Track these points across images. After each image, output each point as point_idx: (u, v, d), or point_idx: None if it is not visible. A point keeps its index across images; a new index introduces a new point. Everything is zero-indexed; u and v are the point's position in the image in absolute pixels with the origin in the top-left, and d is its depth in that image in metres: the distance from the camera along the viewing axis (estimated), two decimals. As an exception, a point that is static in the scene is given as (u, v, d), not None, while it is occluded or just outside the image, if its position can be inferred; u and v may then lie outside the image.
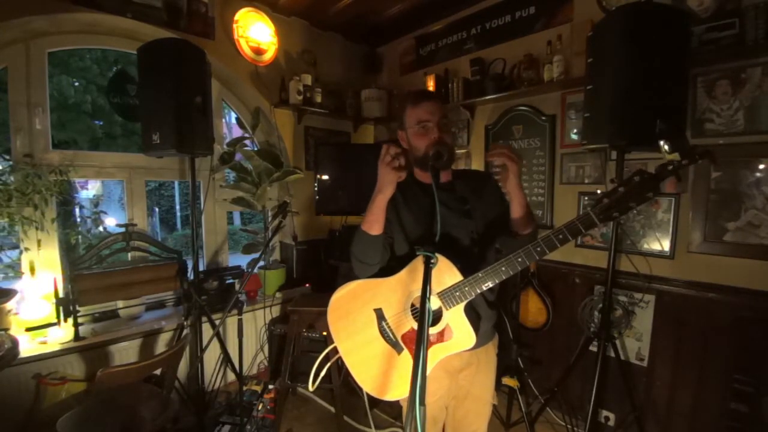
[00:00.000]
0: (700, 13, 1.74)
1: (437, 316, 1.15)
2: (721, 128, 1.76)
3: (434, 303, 1.14)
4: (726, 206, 1.77)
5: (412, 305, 1.17)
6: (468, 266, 1.12)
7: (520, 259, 1.06)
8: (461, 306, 1.12)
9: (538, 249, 1.04)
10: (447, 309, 1.13)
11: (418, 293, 1.13)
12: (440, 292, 1.12)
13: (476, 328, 1.13)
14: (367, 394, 2.35)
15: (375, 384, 1.19)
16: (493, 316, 1.31)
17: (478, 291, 1.09)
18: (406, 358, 1.17)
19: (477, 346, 1.16)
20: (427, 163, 1.17)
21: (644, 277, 1.97)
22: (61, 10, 2.01)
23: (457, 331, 1.14)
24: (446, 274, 1.12)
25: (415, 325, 1.14)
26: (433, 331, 1.13)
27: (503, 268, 1.07)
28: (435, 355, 1.13)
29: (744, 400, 1.68)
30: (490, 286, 1.09)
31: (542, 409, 2.12)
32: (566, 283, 2.33)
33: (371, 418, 2.28)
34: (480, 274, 1.08)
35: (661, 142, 1.01)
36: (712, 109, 1.78)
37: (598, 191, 1.04)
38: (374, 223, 1.13)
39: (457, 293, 1.11)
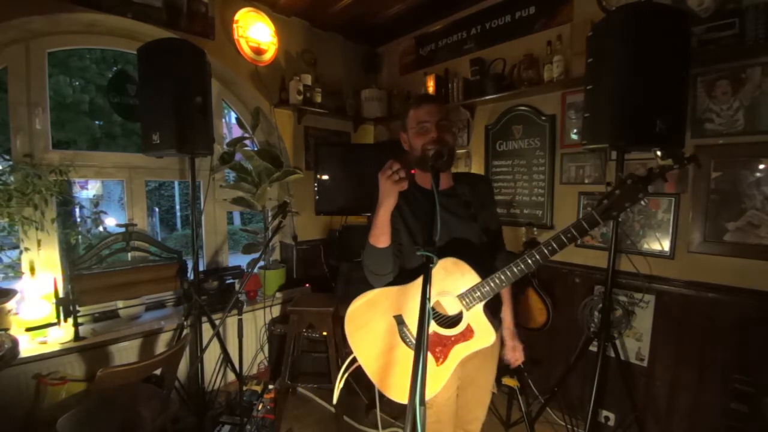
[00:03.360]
0: (700, 13, 1.74)
1: (458, 318, 1.19)
2: (721, 128, 1.76)
3: (455, 305, 1.18)
4: (726, 206, 1.77)
5: (432, 309, 1.19)
6: (482, 268, 1.16)
7: (533, 259, 1.11)
8: (480, 305, 1.16)
9: (549, 248, 1.09)
10: (467, 309, 1.16)
11: (435, 298, 1.18)
12: (461, 293, 1.16)
13: (494, 321, 1.18)
14: (366, 394, 2.36)
15: (400, 389, 1.20)
16: (499, 307, 1.39)
17: (497, 291, 1.14)
18: (429, 361, 1.18)
19: None
20: (426, 163, 1.19)
21: (644, 277, 1.96)
22: (61, 10, 2.01)
23: (478, 329, 1.18)
24: (466, 276, 1.16)
25: (437, 329, 1.18)
26: (455, 332, 1.18)
27: (518, 267, 1.12)
28: (457, 354, 1.18)
29: (744, 400, 1.68)
30: (507, 285, 1.14)
31: (542, 409, 2.12)
32: (566, 283, 2.33)
33: (377, 416, 2.28)
34: (498, 274, 1.13)
35: (654, 149, 1.13)
36: (712, 109, 1.78)
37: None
38: (380, 236, 1.15)
39: (477, 294, 1.15)
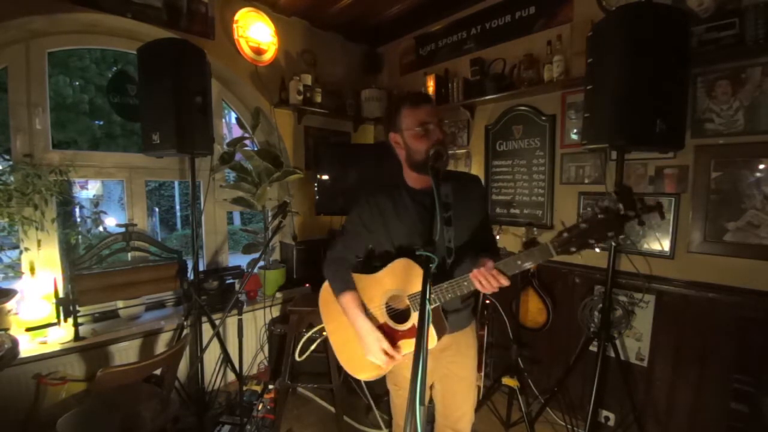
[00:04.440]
0: (700, 13, 1.74)
1: (407, 315, 1.23)
2: (721, 128, 1.76)
3: (405, 303, 1.24)
4: (726, 206, 1.77)
5: (387, 303, 1.26)
6: (440, 274, 1.17)
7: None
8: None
9: (500, 268, 1.08)
10: (414, 311, 1.21)
11: (392, 293, 1.25)
12: (410, 294, 1.20)
13: (442, 324, 1.20)
14: (366, 395, 2.37)
15: (351, 364, 1.34)
16: (468, 305, 1.38)
17: (443, 300, 1.15)
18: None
19: (453, 330, 1.28)
20: (426, 165, 1.17)
21: (644, 277, 1.96)
22: (61, 10, 2.01)
23: None
24: (416, 280, 1.18)
25: (388, 321, 1.26)
26: (403, 327, 1.23)
27: (465, 283, 1.12)
28: (406, 347, 1.23)
29: (744, 400, 1.68)
30: (453, 297, 1.15)
31: (542, 409, 2.12)
32: (566, 283, 2.32)
33: (378, 416, 2.28)
34: (445, 285, 1.14)
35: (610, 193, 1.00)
36: (712, 109, 1.78)
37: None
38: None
39: None
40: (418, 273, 1.16)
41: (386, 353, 1.19)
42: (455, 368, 1.36)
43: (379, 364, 1.22)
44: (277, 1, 2.77)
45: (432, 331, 1.17)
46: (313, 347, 1.50)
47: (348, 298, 1.27)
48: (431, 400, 1.46)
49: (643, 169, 2.00)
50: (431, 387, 1.41)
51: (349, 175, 2.95)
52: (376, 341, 1.20)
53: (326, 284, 1.39)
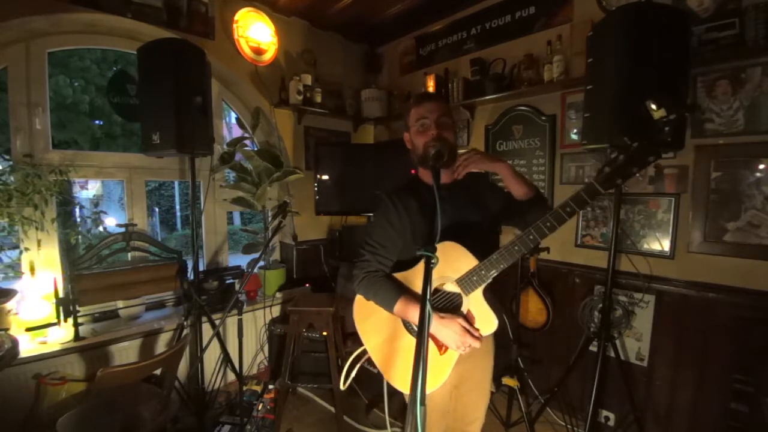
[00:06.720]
0: (700, 13, 1.74)
1: (458, 303, 1.16)
2: (721, 128, 1.76)
3: (454, 289, 1.16)
4: (726, 206, 1.77)
5: (435, 290, 1.19)
6: (482, 251, 1.14)
7: (531, 237, 1.08)
8: (480, 290, 1.13)
9: (548, 224, 1.06)
10: (466, 295, 1.14)
11: (435, 284, 1.16)
12: (458, 278, 1.14)
13: (497, 305, 1.15)
14: (366, 395, 2.36)
15: (404, 379, 1.18)
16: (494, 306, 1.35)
17: (494, 273, 1.10)
18: (431, 349, 1.17)
19: None
20: (427, 162, 1.18)
21: (644, 277, 1.96)
22: (61, 10, 2.01)
23: (479, 315, 1.14)
24: (462, 260, 1.13)
25: (439, 314, 1.15)
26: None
27: (516, 248, 1.09)
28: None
29: (744, 400, 1.68)
30: (505, 267, 1.10)
31: (542, 409, 2.12)
32: (566, 283, 2.32)
33: (386, 415, 2.27)
34: (494, 256, 1.10)
35: (648, 102, 1.07)
36: (712, 109, 1.78)
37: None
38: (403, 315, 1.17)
39: (475, 278, 1.12)
40: (459, 253, 1.13)
41: (470, 333, 1.08)
42: (474, 374, 1.33)
43: (473, 344, 1.09)
44: (277, 1, 2.77)
45: (492, 314, 1.13)
46: (353, 374, 1.38)
47: (402, 304, 1.14)
48: None
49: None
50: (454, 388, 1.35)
51: (349, 175, 2.95)
52: (454, 325, 1.09)
53: (358, 298, 1.30)
